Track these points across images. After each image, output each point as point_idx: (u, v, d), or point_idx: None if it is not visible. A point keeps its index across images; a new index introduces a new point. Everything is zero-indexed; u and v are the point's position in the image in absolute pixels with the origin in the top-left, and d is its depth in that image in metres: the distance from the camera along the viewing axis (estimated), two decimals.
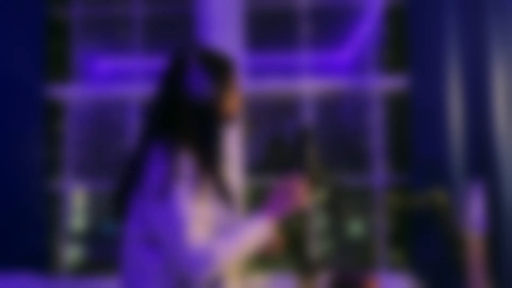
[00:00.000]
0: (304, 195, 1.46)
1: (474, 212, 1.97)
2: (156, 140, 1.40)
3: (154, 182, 1.34)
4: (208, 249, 1.31)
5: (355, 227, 2.88)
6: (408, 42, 2.27)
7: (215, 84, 1.46)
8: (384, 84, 2.41)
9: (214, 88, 1.45)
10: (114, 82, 2.55)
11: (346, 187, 2.55)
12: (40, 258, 2.24)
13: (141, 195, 1.38)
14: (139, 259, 1.39)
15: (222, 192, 1.47)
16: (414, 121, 2.22)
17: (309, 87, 2.43)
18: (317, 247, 2.35)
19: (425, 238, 2.15)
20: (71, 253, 2.52)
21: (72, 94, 2.48)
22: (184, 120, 1.42)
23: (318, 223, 2.42)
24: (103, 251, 2.76)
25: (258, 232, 1.39)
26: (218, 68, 1.48)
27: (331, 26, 2.75)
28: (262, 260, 2.32)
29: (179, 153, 1.35)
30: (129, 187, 1.43)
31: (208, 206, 1.39)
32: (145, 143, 1.44)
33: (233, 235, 1.36)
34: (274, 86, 2.45)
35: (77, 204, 2.69)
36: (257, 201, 2.63)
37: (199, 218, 1.34)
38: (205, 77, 1.45)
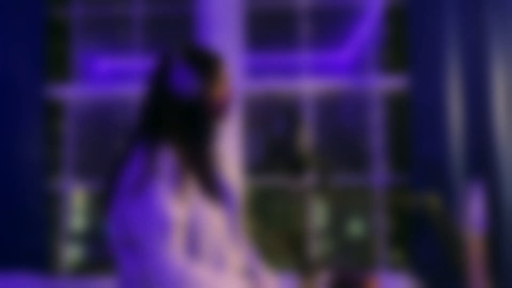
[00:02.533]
0: None
1: (474, 212, 1.97)
2: (140, 138, 1.39)
3: (130, 179, 1.29)
4: (186, 273, 1.23)
5: (355, 227, 2.88)
6: (408, 42, 2.27)
7: (201, 79, 1.44)
8: (384, 84, 2.41)
9: (200, 84, 1.43)
10: (114, 82, 2.55)
11: (346, 187, 2.55)
12: (40, 258, 2.24)
13: (118, 194, 1.33)
14: (121, 263, 1.33)
15: (209, 190, 1.38)
16: (414, 121, 2.22)
17: (309, 87, 2.43)
18: (317, 247, 2.35)
19: (425, 238, 2.15)
20: (71, 253, 2.52)
21: (72, 94, 2.48)
22: (168, 117, 1.40)
23: (318, 223, 2.42)
24: (102, 251, 2.76)
25: None
26: (203, 64, 1.46)
27: (331, 26, 2.75)
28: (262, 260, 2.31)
29: (158, 149, 1.32)
30: (111, 187, 1.37)
31: (189, 206, 1.32)
32: (131, 143, 1.42)
33: (212, 276, 1.28)
34: (274, 86, 2.45)
35: (77, 204, 2.69)
36: (257, 201, 2.63)
37: (178, 220, 1.27)
38: (190, 74, 1.44)
